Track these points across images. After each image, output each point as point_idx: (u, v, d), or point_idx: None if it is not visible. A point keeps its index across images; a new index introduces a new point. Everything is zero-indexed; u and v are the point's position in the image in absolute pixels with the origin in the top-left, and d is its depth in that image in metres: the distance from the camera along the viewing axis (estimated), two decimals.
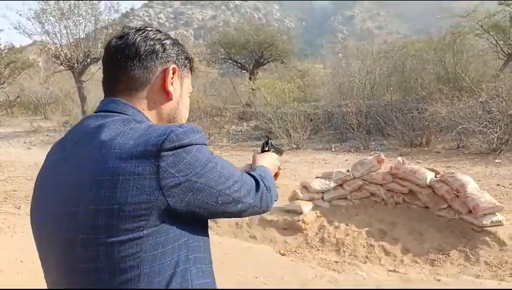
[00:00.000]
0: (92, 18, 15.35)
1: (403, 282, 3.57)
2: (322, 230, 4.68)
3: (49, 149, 0.98)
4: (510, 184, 6.42)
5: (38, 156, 9.97)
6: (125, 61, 0.93)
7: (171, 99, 0.98)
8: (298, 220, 4.78)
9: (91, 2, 15.24)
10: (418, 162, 8.09)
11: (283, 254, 4.37)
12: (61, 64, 15.16)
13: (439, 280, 3.56)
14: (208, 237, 0.97)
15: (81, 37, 15.40)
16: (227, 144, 12.67)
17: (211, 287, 0.94)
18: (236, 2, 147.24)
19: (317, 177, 5.24)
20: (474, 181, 4.66)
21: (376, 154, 5.38)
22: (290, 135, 11.27)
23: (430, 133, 10.10)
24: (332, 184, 5.05)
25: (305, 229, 4.70)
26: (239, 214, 0.97)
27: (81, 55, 14.96)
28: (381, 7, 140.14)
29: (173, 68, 0.98)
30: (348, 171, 5.23)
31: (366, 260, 4.20)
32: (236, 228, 4.93)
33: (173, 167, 0.80)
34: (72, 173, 0.84)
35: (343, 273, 3.82)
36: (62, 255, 0.84)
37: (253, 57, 20.55)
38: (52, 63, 17.69)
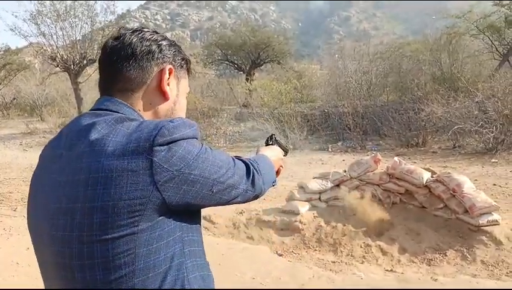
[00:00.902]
0: (88, 19, 15.30)
1: (400, 282, 3.57)
2: (319, 230, 4.68)
3: None
4: (506, 184, 6.45)
5: (35, 158, 9.86)
6: (121, 62, 0.94)
7: (167, 100, 0.99)
8: (295, 221, 4.78)
9: (87, 3, 15.19)
10: (415, 162, 8.11)
11: (280, 255, 4.37)
12: (58, 65, 15.10)
13: (436, 280, 3.57)
14: (201, 229, 0.98)
15: (77, 38, 15.34)
16: (224, 144, 12.65)
17: (207, 279, 0.94)
18: (233, 3, 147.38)
19: (314, 178, 5.25)
20: (471, 181, 4.68)
21: (373, 155, 5.40)
22: (287, 136, 11.28)
23: (427, 133, 10.14)
24: (329, 184, 5.06)
25: (302, 230, 4.71)
26: (234, 201, 0.97)
27: (77, 56, 14.91)
28: (378, 8, 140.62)
29: (169, 69, 0.98)
30: (345, 171, 5.24)
31: (363, 260, 4.20)
32: (234, 229, 4.93)
33: (166, 161, 0.81)
34: (67, 171, 0.84)
35: (340, 274, 3.83)
36: (58, 252, 0.84)
37: (249, 58, 20.56)
38: (48, 65, 17.62)
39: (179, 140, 0.83)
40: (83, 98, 15.34)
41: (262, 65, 21.38)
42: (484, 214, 4.18)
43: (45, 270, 0.91)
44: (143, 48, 0.95)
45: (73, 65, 14.84)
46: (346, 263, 4.12)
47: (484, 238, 4.10)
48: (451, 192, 4.48)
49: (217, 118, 14.62)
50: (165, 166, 0.80)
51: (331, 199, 5.06)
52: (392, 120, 10.52)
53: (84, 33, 15.58)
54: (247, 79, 19.57)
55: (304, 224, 4.75)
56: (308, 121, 12.54)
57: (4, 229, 5.11)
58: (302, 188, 5.15)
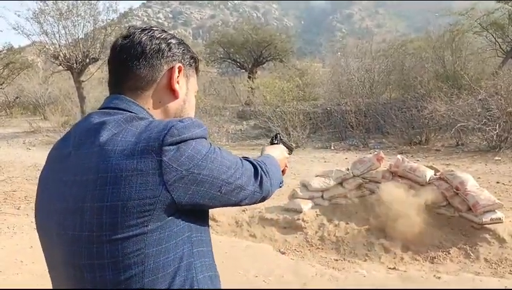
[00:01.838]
0: (91, 18, 15.30)
1: (403, 280, 3.57)
2: (321, 228, 4.68)
3: (49, 149, 0.97)
4: (509, 181, 6.43)
5: (38, 156, 9.96)
6: (131, 60, 0.94)
7: (177, 98, 0.99)
8: (298, 219, 4.78)
9: (89, 2, 15.19)
10: (418, 160, 8.09)
11: (283, 253, 4.37)
12: (60, 64, 15.11)
13: (439, 278, 3.56)
14: (209, 229, 0.97)
15: (80, 37, 15.35)
16: (227, 143, 12.66)
17: (214, 280, 0.95)
18: (235, 1, 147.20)
19: (317, 176, 5.24)
20: (474, 179, 4.66)
21: (375, 153, 5.38)
22: (290, 134, 11.27)
23: (430, 131, 10.11)
24: (332, 182, 5.05)
25: (305, 228, 4.71)
26: (241, 202, 0.97)
27: (79, 55, 14.92)
28: (380, 5, 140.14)
29: (179, 67, 0.98)
30: (348, 169, 5.23)
31: (366, 258, 4.20)
32: (236, 227, 4.93)
33: (175, 161, 0.81)
34: (76, 170, 0.85)
35: (343, 272, 3.83)
36: (67, 251, 0.84)
37: (252, 56, 20.54)
38: (51, 64, 17.67)
39: (188, 140, 0.83)
40: (85, 97, 15.34)
41: (264, 63, 21.35)
42: (487, 212, 4.17)
43: (54, 269, 0.91)
44: (153, 46, 0.95)
45: (76, 64, 14.84)
46: (349, 261, 4.12)
47: (487, 236, 4.09)
48: (455, 190, 4.47)
49: (219, 116, 14.64)
50: (174, 166, 0.80)
51: (333, 197, 5.05)
52: (395, 118, 10.50)
53: (87, 32, 15.59)
54: (249, 77, 19.56)
55: (307, 222, 4.75)
56: (310, 119, 12.52)
57: (8, 227, 5.14)
58: (304, 186, 5.15)
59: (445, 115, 9.49)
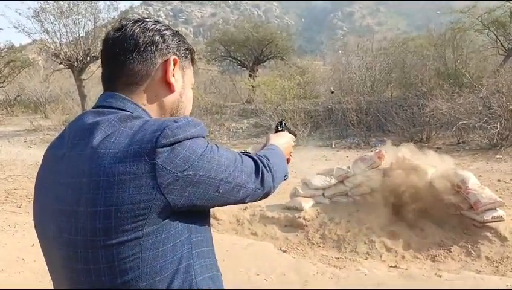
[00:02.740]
0: (91, 16, 15.28)
1: (404, 278, 3.57)
2: (323, 227, 4.68)
3: None
4: (511, 179, 6.42)
5: (39, 154, 9.91)
6: (124, 54, 0.91)
7: (173, 92, 0.95)
8: (299, 217, 4.78)
9: (90, 0, 15.20)
10: (419, 158, 8.07)
11: (284, 251, 4.38)
12: (61, 62, 15.10)
13: (440, 276, 3.56)
14: (210, 227, 0.95)
15: (81, 35, 15.34)
16: (228, 141, 12.66)
17: (216, 280, 0.93)
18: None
19: (318, 174, 5.24)
20: (475, 177, 4.66)
21: (376, 151, 5.37)
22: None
23: (431, 129, 10.10)
24: (333, 181, 5.05)
25: (306, 226, 4.71)
26: (242, 200, 0.94)
27: (80, 53, 14.91)
28: (381, 4, 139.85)
29: (174, 59, 0.94)
30: (349, 167, 5.22)
31: (367, 256, 4.20)
32: (238, 225, 4.94)
33: (169, 163, 0.78)
34: (69, 172, 0.83)
35: (344, 270, 3.83)
36: (64, 255, 0.83)
37: (253, 54, 20.51)
38: (51, 62, 17.63)
39: (183, 140, 0.80)
40: (86, 95, 15.35)
41: (265, 61, 21.32)
42: (489, 210, 4.16)
43: (54, 272, 0.90)
44: (146, 39, 0.91)
45: (77, 62, 14.84)
46: (350, 259, 4.12)
47: (489, 234, 4.09)
48: (456, 188, 4.46)
49: (220, 115, 14.63)
50: (168, 168, 0.77)
51: (334, 195, 5.05)
52: (396, 116, 10.48)
53: (88, 30, 15.57)
54: (250, 75, 19.55)
55: (308, 220, 4.75)
56: (311, 118, 12.51)
57: (9, 225, 5.14)
58: (305, 184, 5.15)
59: (447, 113, 9.47)
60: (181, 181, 0.79)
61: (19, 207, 5.99)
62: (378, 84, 13.40)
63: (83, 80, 15.38)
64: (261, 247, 4.40)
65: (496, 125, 8.68)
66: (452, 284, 3.40)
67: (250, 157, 1.00)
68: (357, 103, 11.82)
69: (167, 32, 0.95)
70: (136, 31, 0.91)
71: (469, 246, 4.05)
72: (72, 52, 14.86)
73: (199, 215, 0.89)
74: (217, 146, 0.90)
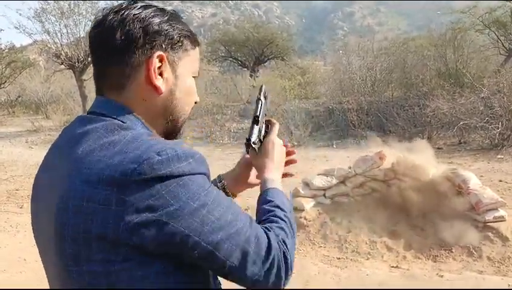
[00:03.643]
0: (92, 17, 15.27)
1: (405, 278, 3.57)
2: (324, 227, 4.68)
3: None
4: None
5: (40, 155, 9.86)
6: (104, 55, 0.81)
7: (159, 94, 0.82)
8: (300, 217, 4.78)
9: (91, 1, 15.22)
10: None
11: None
12: (62, 63, 15.12)
13: (441, 276, 3.56)
14: (213, 278, 0.83)
15: (82, 36, 15.36)
16: (229, 141, 12.65)
17: None
18: (236, 0, 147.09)
19: (319, 174, 5.23)
20: (476, 177, 4.66)
21: (377, 151, 5.37)
22: (291, 132, 11.27)
23: (432, 129, 10.08)
24: (334, 181, 5.05)
25: (307, 226, 4.71)
26: (225, 278, 0.78)
27: (81, 54, 14.92)
28: (381, 4, 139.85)
29: (159, 56, 0.80)
30: (350, 167, 5.22)
31: (369, 257, 4.20)
32: None
33: (141, 201, 0.67)
34: (51, 185, 0.77)
35: (346, 270, 3.83)
36: (50, 271, 0.81)
37: (253, 55, 20.55)
38: (52, 63, 17.64)
39: (166, 177, 0.69)
40: (87, 96, 15.35)
41: (266, 62, 21.36)
42: (490, 210, 4.16)
43: (47, 272, 0.87)
44: (123, 37, 0.78)
45: (78, 63, 14.86)
46: (351, 259, 4.12)
47: (490, 234, 4.08)
48: (457, 188, 4.46)
49: (221, 115, 14.63)
50: (140, 207, 0.67)
51: (336, 195, 5.05)
52: (397, 116, 10.48)
53: (88, 30, 15.59)
54: (251, 76, 19.56)
55: (309, 220, 4.75)
56: (312, 118, 12.50)
57: (11, 225, 5.15)
58: (306, 184, 5.15)
59: (448, 113, 9.46)
60: (151, 226, 0.68)
61: (21, 207, 5.99)
62: (379, 85, 13.38)
63: (84, 80, 15.39)
64: None
65: (497, 125, 8.67)
66: (453, 284, 3.40)
67: (266, 235, 0.81)
68: (358, 103, 11.81)
69: (154, 21, 0.80)
70: (115, 24, 0.78)
71: (470, 247, 4.05)
72: (73, 53, 14.87)
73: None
74: (218, 195, 0.76)
